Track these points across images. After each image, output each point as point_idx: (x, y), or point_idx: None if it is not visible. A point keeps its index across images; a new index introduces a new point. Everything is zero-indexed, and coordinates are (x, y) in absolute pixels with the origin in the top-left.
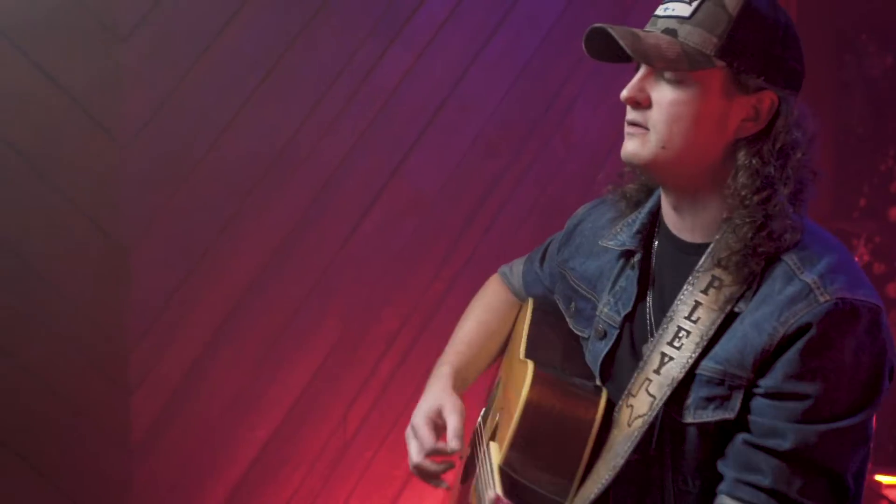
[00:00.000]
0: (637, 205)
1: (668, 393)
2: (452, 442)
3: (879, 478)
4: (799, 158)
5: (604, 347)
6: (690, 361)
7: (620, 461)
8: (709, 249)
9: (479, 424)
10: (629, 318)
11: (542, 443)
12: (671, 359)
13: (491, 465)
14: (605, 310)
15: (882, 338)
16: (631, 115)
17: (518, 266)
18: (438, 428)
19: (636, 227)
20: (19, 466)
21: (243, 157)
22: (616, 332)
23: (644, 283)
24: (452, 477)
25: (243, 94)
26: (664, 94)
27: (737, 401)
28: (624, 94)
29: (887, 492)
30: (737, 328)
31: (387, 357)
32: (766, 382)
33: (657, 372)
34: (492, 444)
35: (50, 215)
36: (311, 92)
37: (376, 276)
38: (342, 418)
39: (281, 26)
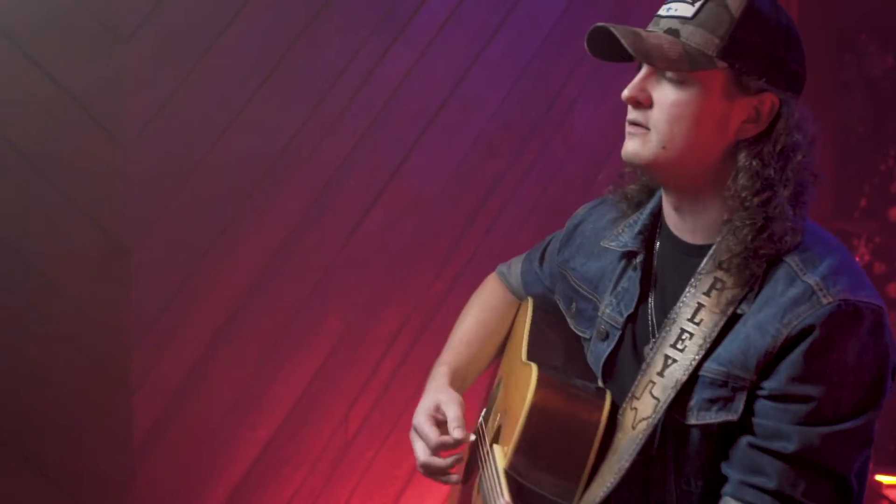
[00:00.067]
0: (638, 205)
1: (672, 395)
2: (455, 431)
3: (880, 478)
4: (799, 161)
5: (606, 348)
6: (694, 363)
7: (625, 464)
8: (710, 252)
9: (481, 424)
10: (631, 319)
11: (547, 447)
12: (674, 361)
13: (497, 469)
14: (608, 311)
15: (885, 339)
16: (632, 114)
17: (516, 265)
18: (440, 423)
19: (638, 228)
20: (21, 466)
21: (245, 157)
22: (618, 334)
23: (646, 285)
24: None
25: (244, 95)
26: (665, 95)
27: (740, 402)
28: (625, 93)
29: (888, 492)
30: (740, 330)
31: (388, 357)
32: (769, 384)
33: (661, 374)
34: (496, 447)
35: (51, 215)
36: (311, 92)
37: (377, 277)
38: (343, 418)
39: (282, 27)
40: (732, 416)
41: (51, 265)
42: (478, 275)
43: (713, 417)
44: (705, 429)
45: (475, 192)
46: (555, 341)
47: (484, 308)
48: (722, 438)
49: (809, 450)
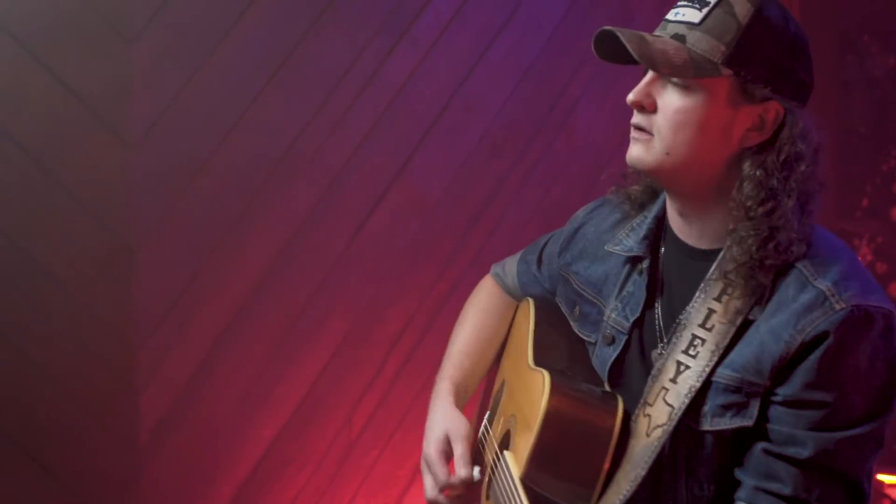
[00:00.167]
0: (641, 206)
1: (687, 403)
2: (461, 470)
3: (881, 477)
4: (803, 171)
5: (612, 353)
6: (707, 370)
7: (641, 472)
8: (718, 257)
9: (485, 426)
10: (637, 323)
11: (562, 455)
12: (687, 367)
13: (513, 478)
14: (613, 315)
15: (894, 343)
16: (636, 118)
17: (511, 266)
18: (448, 457)
19: (643, 232)
20: (28, 466)
21: (250, 157)
22: (625, 338)
23: (652, 289)
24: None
25: (250, 95)
26: (670, 100)
27: (754, 408)
28: (630, 97)
29: (889, 491)
30: (752, 335)
31: (392, 357)
32: (784, 391)
33: (673, 381)
34: (507, 454)
35: (57, 215)
36: (316, 92)
37: (381, 276)
38: (347, 418)
39: (287, 27)
40: (747, 422)
41: (56, 265)
42: (481, 275)
43: (727, 423)
44: (719, 435)
45: (478, 193)
46: (558, 342)
47: (481, 313)
48: (734, 443)
49: (824, 455)
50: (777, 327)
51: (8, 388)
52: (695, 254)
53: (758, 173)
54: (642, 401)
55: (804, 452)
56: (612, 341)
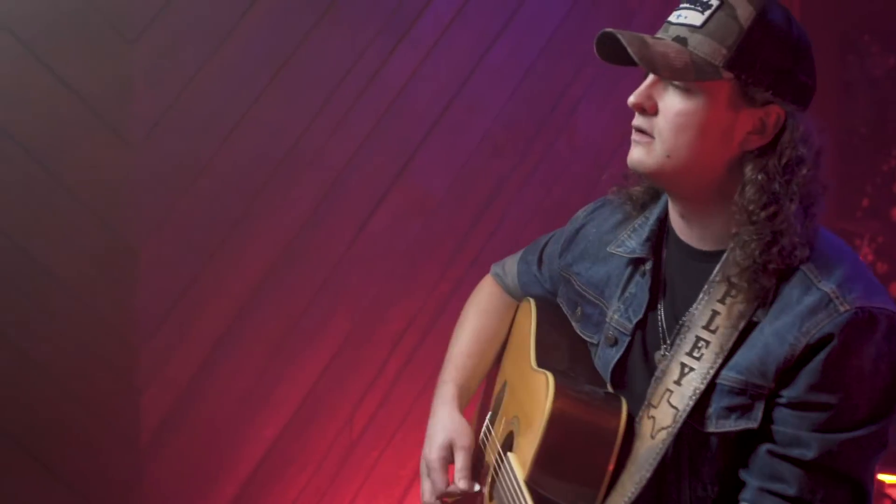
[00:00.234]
0: (643, 207)
1: (692, 405)
2: (461, 482)
3: (882, 477)
4: (804, 175)
5: (615, 355)
6: (711, 372)
7: (646, 474)
8: (721, 260)
9: (487, 427)
10: (640, 325)
11: (567, 458)
12: (692, 369)
13: (517, 481)
14: (616, 317)
15: None
16: (637, 121)
17: (512, 266)
18: (449, 464)
19: (645, 234)
20: (30, 466)
21: (252, 157)
22: (627, 340)
23: (655, 291)
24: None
25: (252, 95)
26: (671, 103)
27: (759, 410)
28: (631, 99)
29: (890, 491)
30: (757, 337)
31: (393, 357)
32: (788, 393)
33: (678, 383)
34: (511, 456)
35: (59, 216)
36: (318, 93)
37: (383, 277)
38: (349, 418)
39: (289, 27)
40: (752, 424)
41: (58, 265)
42: (482, 275)
43: (732, 425)
44: (723, 436)
45: (480, 193)
46: (560, 343)
47: (482, 313)
48: (739, 445)
49: (828, 456)
50: (782, 330)
51: (10, 388)
52: (697, 255)
53: (759, 177)
54: (646, 403)
55: (808, 454)
56: (615, 343)
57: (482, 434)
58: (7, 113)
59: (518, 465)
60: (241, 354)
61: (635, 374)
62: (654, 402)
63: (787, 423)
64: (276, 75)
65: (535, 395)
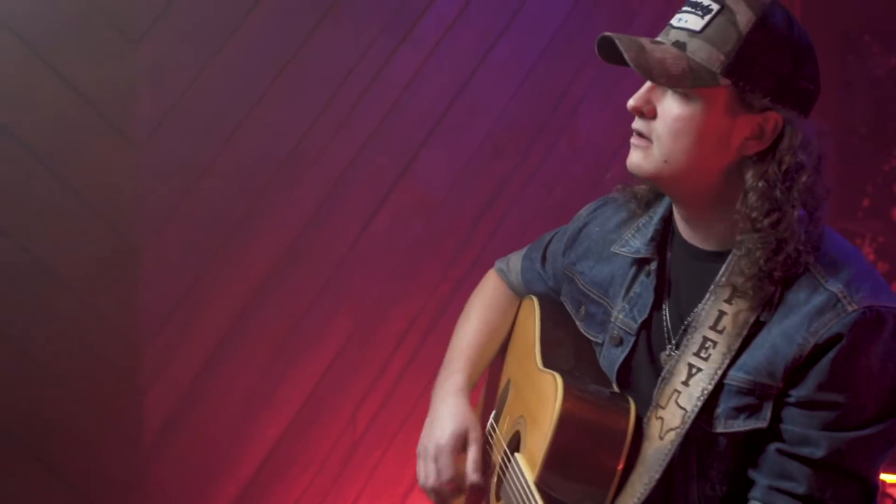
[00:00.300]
0: (647, 205)
1: (700, 405)
2: (473, 475)
3: (884, 476)
4: (805, 181)
5: (620, 354)
6: (719, 372)
7: (655, 475)
8: (725, 265)
9: (491, 425)
10: (645, 325)
11: (576, 459)
12: (699, 370)
13: (527, 482)
14: (621, 316)
15: None
16: (637, 124)
17: (516, 262)
18: (460, 453)
19: (650, 233)
20: (32, 466)
21: (255, 157)
22: (633, 340)
23: (660, 291)
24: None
25: (255, 95)
26: (669, 108)
27: (767, 410)
28: (630, 103)
29: (891, 490)
30: (764, 338)
31: (395, 357)
32: (797, 392)
33: (685, 384)
34: (519, 457)
35: (62, 215)
36: (320, 93)
37: (385, 277)
38: (351, 418)
39: (291, 28)
40: (761, 424)
41: (62, 265)
42: (484, 275)
43: (741, 425)
44: (732, 436)
45: (482, 193)
46: (564, 341)
47: (486, 307)
48: (747, 444)
49: (837, 455)
50: (789, 330)
51: (13, 388)
52: (702, 255)
53: (760, 184)
54: (654, 403)
55: (818, 452)
56: (620, 342)
57: (486, 432)
58: (10, 113)
59: (527, 467)
60: (244, 354)
61: (641, 373)
62: (662, 403)
63: (795, 422)
64: (278, 75)
65: (543, 396)
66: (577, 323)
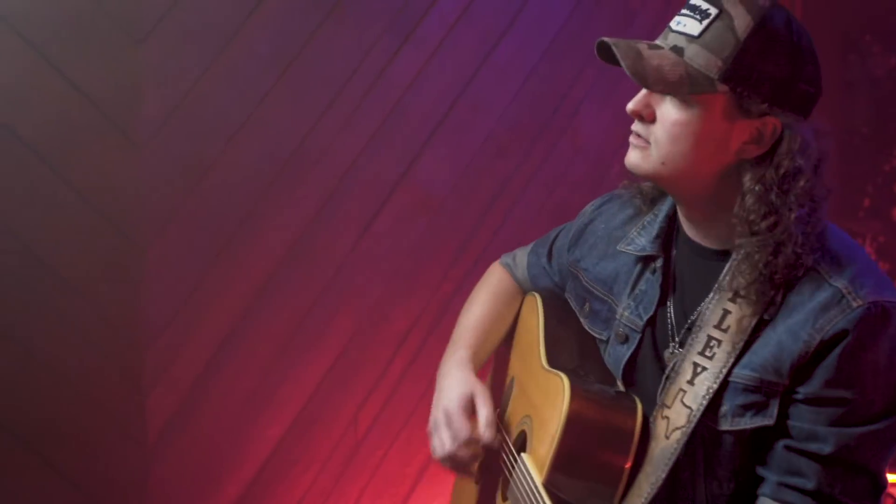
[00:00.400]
0: (653, 202)
1: (705, 404)
2: (486, 432)
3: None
4: (802, 186)
5: (626, 351)
6: (724, 371)
7: (662, 474)
8: (728, 265)
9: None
10: (651, 322)
11: (584, 460)
12: (704, 369)
13: (535, 483)
14: (626, 313)
15: None
16: (636, 126)
17: (522, 257)
18: (470, 414)
19: (655, 231)
20: (36, 465)
21: (258, 157)
22: (638, 337)
23: (665, 288)
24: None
25: (258, 95)
26: (667, 112)
27: (774, 407)
28: (629, 107)
29: (892, 490)
30: (770, 335)
31: (398, 357)
32: (804, 389)
33: (690, 383)
34: (526, 457)
35: (66, 215)
36: (323, 93)
37: (387, 276)
38: (353, 417)
39: (295, 27)
40: (768, 421)
41: (65, 265)
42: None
43: (748, 423)
44: (738, 434)
45: (484, 193)
46: (568, 338)
47: (492, 295)
48: (753, 441)
49: (845, 450)
50: (795, 326)
51: (16, 387)
52: (706, 253)
53: (757, 188)
54: (660, 403)
55: (826, 448)
56: (626, 339)
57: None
58: (14, 113)
59: (534, 468)
60: (247, 354)
61: (646, 370)
62: (668, 403)
63: (803, 418)
64: (281, 75)
65: (549, 397)
66: (581, 320)
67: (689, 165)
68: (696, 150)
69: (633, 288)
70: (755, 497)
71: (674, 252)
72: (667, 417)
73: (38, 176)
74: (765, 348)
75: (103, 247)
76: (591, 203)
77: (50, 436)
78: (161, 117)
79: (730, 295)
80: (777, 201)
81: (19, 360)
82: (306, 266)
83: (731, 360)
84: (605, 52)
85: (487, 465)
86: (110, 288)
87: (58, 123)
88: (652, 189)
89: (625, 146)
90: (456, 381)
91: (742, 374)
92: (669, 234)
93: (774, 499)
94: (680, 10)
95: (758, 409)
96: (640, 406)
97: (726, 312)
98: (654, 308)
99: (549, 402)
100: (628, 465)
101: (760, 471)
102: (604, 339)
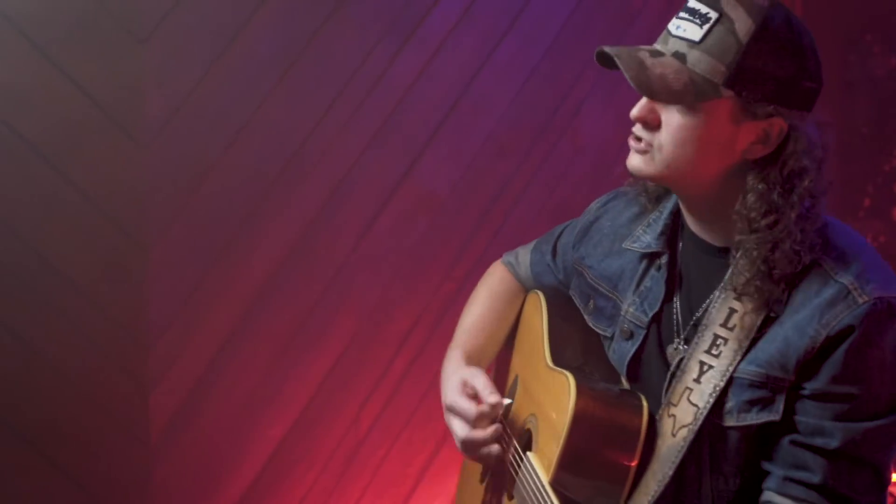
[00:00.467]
0: (658, 200)
1: (712, 402)
2: (489, 398)
3: None
4: (806, 186)
5: (630, 348)
6: (731, 368)
7: (669, 472)
8: (731, 266)
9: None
10: (656, 318)
11: (590, 459)
12: (710, 367)
13: (542, 482)
14: (631, 310)
15: None
16: (639, 132)
17: (525, 256)
18: (471, 397)
19: (659, 228)
20: (39, 464)
21: (260, 156)
22: (643, 333)
23: (671, 284)
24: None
25: (260, 95)
26: (673, 119)
27: (780, 403)
28: (634, 113)
29: (892, 489)
30: (776, 331)
31: (399, 356)
32: (811, 385)
33: (697, 381)
34: (532, 456)
35: (69, 215)
36: (325, 93)
37: (389, 276)
38: (355, 417)
39: (296, 27)
40: (774, 417)
41: (68, 264)
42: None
43: (754, 419)
44: (744, 430)
45: (485, 193)
46: (572, 336)
47: (494, 295)
48: (759, 437)
49: (851, 445)
50: (801, 322)
51: (19, 386)
52: (711, 250)
53: (760, 187)
54: (665, 401)
55: (832, 443)
56: (631, 336)
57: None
58: (17, 113)
59: (540, 467)
60: (249, 354)
61: (651, 366)
62: (674, 401)
63: (809, 413)
64: (283, 75)
65: (555, 396)
66: (586, 317)
67: (694, 168)
68: (701, 154)
69: (638, 284)
70: (760, 492)
71: (679, 248)
72: (673, 415)
73: (40, 175)
74: (771, 344)
75: (106, 246)
76: (597, 200)
77: (52, 435)
78: (163, 117)
79: (734, 293)
80: (779, 200)
81: (22, 359)
82: (308, 266)
83: (738, 357)
84: (605, 58)
85: (493, 465)
86: (113, 287)
87: (60, 123)
88: (656, 187)
89: (626, 146)
90: (450, 376)
91: (748, 369)
92: (674, 230)
93: (780, 493)
94: (677, 14)
95: (764, 404)
96: (646, 404)
97: (732, 311)
98: (659, 304)
99: (554, 400)
100: (635, 464)
101: (766, 465)
102: (608, 335)
